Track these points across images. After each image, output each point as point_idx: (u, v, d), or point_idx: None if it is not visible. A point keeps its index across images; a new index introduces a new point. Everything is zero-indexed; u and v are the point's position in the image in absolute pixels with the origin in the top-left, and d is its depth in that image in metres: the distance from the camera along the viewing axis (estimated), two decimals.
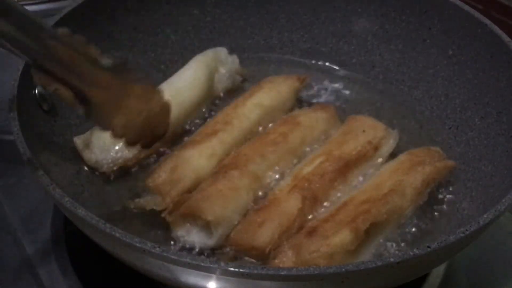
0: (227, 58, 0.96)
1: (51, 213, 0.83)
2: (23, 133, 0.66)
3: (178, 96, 0.87)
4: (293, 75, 0.95)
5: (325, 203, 0.76)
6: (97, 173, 0.81)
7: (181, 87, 0.89)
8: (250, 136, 0.85)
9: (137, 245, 0.56)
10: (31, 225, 0.82)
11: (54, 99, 0.78)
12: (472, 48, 0.87)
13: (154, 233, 0.74)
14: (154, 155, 0.84)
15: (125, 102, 0.71)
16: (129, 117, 0.72)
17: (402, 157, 0.82)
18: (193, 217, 0.73)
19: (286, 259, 0.68)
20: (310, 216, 0.74)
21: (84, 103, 0.66)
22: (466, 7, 0.87)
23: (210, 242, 0.72)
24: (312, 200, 0.75)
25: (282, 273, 0.54)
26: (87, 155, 0.80)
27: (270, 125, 0.87)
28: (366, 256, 0.71)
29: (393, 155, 0.84)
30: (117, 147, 0.81)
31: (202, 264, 0.54)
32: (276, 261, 0.68)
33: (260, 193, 0.78)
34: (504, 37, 0.81)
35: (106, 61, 0.68)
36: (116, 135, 0.72)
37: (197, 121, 0.90)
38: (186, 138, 0.86)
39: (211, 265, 0.54)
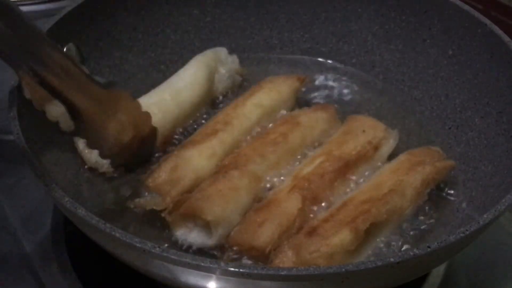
0: (227, 58, 0.96)
1: (51, 213, 0.83)
2: (23, 133, 0.66)
3: (178, 97, 0.87)
4: (293, 75, 0.95)
5: (325, 203, 0.76)
6: (97, 173, 0.81)
7: (181, 87, 0.88)
8: (250, 136, 0.85)
9: (137, 245, 0.56)
10: (31, 225, 0.82)
11: None
12: (472, 48, 0.87)
13: (154, 233, 0.74)
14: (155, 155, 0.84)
15: (114, 122, 0.72)
16: (117, 138, 0.74)
17: (402, 157, 0.82)
18: (193, 217, 0.73)
19: (286, 259, 0.68)
20: (310, 216, 0.74)
21: (75, 118, 0.67)
22: (466, 7, 0.87)
23: (210, 242, 0.72)
24: (312, 200, 0.75)
25: (282, 273, 0.54)
26: (87, 156, 0.80)
27: (270, 125, 0.87)
28: (366, 256, 0.71)
29: (393, 155, 0.84)
30: None
31: (202, 264, 0.54)
32: (276, 261, 0.68)
33: (260, 193, 0.78)
34: (504, 37, 0.81)
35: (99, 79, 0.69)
36: (103, 155, 0.74)
37: (197, 121, 0.90)
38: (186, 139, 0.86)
39: (211, 265, 0.54)
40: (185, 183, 0.77)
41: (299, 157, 0.83)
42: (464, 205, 0.78)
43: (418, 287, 0.76)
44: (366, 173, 0.81)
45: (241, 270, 0.54)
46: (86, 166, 0.81)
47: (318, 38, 1.03)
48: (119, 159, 0.77)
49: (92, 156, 0.79)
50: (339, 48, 1.02)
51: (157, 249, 0.55)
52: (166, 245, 0.72)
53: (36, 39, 0.61)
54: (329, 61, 1.03)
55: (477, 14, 0.86)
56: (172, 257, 0.55)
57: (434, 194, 0.80)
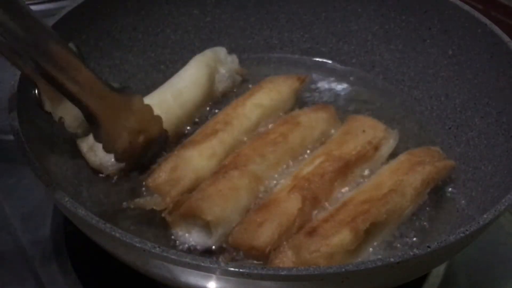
0: (227, 58, 0.96)
1: (51, 213, 0.83)
2: (23, 133, 0.66)
3: (180, 97, 0.87)
4: (293, 75, 0.95)
5: (325, 203, 0.76)
6: (97, 173, 0.81)
7: (183, 87, 0.89)
8: (250, 136, 0.85)
9: (137, 245, 0.56)
10: (31, 225, 0.82)
11: None
12: (472, 48, 0.87)
13: (154, 233, 0.74)
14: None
15: (128, 126, 0.74)
16: (131, 142, 0.75)
17: (402, 157, 0.82)
18: (193, 217, 0.73)
19: (286, 259, 0.68)
20: (310, 216, 0.74)
21: (92, 123, 0.68)
22: (466, 7, 0.87)
23: (210, 242, 0.72)
24: (312, 200, 0.75)
25: (282, 273, 0.54)
26: (91, 158, 0.79)
27: (270, 125, 0.87)
28: (366, 256, 0.71)
29: (393, 155, 0.84)
30: None
31: (202, 264, 0.54)
32: (276, 261, 0.68)
33: (260, 193, 0.78)
34: (504, 37, 0.81)
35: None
36: (118, 159, 0.76)
37: (197, 121, 0.90)
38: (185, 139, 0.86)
39: (211, 265, 0.54)
40: (185, 183, 0.77)
41: (299, 157, 0.83)
42: (464, 205, 0.78)
43: (418, 287, 0.76)
44: (366, 173, 0.81)
45: (241, 270, 0.54)
46: (88, 167, 0.81)
47: (318, 38, 1.03)
48: (131, 162, 0.78)
49: (96, 158, 0.79)
50: (339, 48, 1.02)
51: (157, 249, 0.55)
52: (166, 245, 0.72)
53: (51, 41, 0.61)
54: (329, 61, 1.03)
55: (477, 14, 0.86)
56: (172, 257, 0.55)
57: (434, 194, 0.80)
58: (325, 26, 1.02)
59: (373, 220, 0.70)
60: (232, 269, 0.54)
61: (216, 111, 0.91)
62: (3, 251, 0.79)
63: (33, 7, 1.18)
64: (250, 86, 0.95)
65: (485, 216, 0.61)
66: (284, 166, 0.81)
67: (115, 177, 0.81)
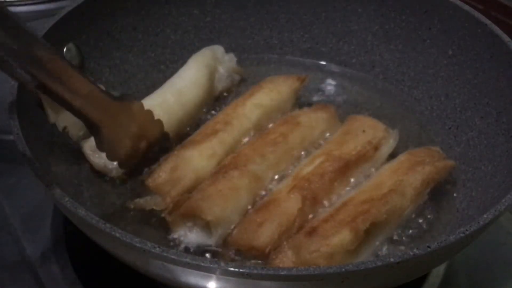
0: (224, 57, 0.96)
1: (51, 213, 0.83)
2: (23, 133, 0.66)
3: (181, 97, 0.87)
4: (293, 75, 0.95)
5: (325, 203, 0.76)
6: (97, 173, 0.81)
7: (183, 87, 0.88)
8: (250, 136, 0.85)
9: (137, 245, 0.56)
10: (31, 225, 0.82)
11: None
12: (472, 48, 0.87)
13: (154, 233, 0.74)
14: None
15: (130, 133, 0.74)
16: (133, 148, 0.75)
17: (402, 157, 0.82)
18: (193, 217, 0.73)
19: (286, 259, 0.68)
20: (310, 216, 0.74)
21: (94, 132, 0.69)
22: (466, 7, 0.87)
23: (210, 242, 0.72)
24: (312, 200, 0.75)
25: (282, 273, 0.54)
26: (95, 160, 0.79)
27: (270, 125, 0.87)
28: (366, 256, 0.71)
29: (393, 155, 0.84)
30: None
31: (202, 264, 0.54)
32: (276, 261, 0.68)
33: (260, 193, 0.78)
34: (504, 37, 0.81)
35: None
36: (122, 166, 0.76)
37: (200, 122, 0.90)
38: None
39: (211, 265, 0.54)
40: (185, 183, 0.77)
41: (299, 157, 0.83)
42: (464, 205, 0.78)
43: (418, 287, 0.76)
44: (366, 173, 0.81)
45: (241, 270, 0.54)
46: (89, 168, 0.81)
47: (318, 38, 1.03)
48: (133, 166, 0.79)
49: (100, 161, 0.79)
50: (339, 48, 1.02)
51: (157, 249, 0.55)
52: (166, 245, 0.72)
53: (43, 52, 0.61)
54: (329, 62, 1.03)
55: (477, 14, 0.86)
56: (172, 257, 0.55)
57: (434, 194, 0.80)
58: (325, 26, 1.02)
59: (373, 220, 0.70)
60: (232, 269, 0.54)
61: (216, 111, 0.91)
62: (3, 251, 0.79)
63: (33, 7, 1.19)
64: (250, 86, 0.94)
65: (485, 216, 0.61)
66: (284, 166, 0.81)
67: (117, 180, 0.81)
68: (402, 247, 0.74)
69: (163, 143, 0.81)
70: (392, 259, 0.55)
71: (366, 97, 0.98)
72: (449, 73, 0.91)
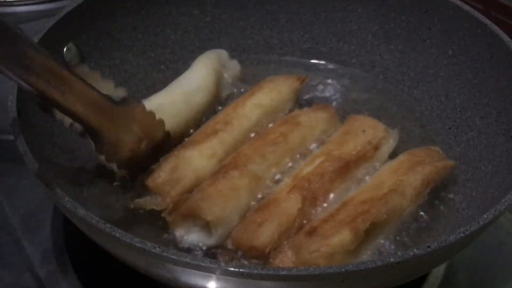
0: (229, 63, 0.96)
1: (51, 213, 0.83)
2: (23, 133, 0.66)
3: (191, 101, 0.87)
4: (293, 75, 0.95)
5: (325, 203, 0.76)
6: (97, 173, 0.81)
7: (193, 90, 0.88)
8: (250, 136, 0.85)
9: (137, 245, 0.56)
10: (31, 225, 0.82)
11: None
12: (472, 48, 0.87)
13: (154, 233, 0.74)
14: None
15: (130, 135, 0.73)
16: (133, 150, 0.75)
17: (402, 157, 0.82)
18: (193, 217, 0.73)
19: (286, 259, 0.68)
20: (310, 216, 0.74)
21: (93, 136, 0.68)
22: (466, 7, 0.87)
23: (210, 242, 0.72)
24: (312, 200, 0.75)
25: (282, 273, 0.54)
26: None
27: (270, 125, 0.87)
28: (366, 256, 0.71)
29: (393, 155, 0.84)
30: None
31: (202, 264, 0.54)
32: (276, 261, 0.68)
33: (260, 193, 0.78)
34: (504, 37, 0.81)
35: (118, 92, 0.71)
36: (120, 167, 0.76)
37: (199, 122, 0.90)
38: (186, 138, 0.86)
39: (211, 265, 0.54)
40: (185, 183, 0.77)
41: (299, 157, 0.83)
42: (464, 205, 0.78)
43: (418, 287, 0.76)
44: (366, 173, 0.81)
45: (241, 270, 0.54)
46: (87, 167, 0.81)
47: (318, 38, 1.03)
48: (134, 167, 0.78)
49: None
50: (339, 48, 1.02)
51: (157, 249, 0.55)
52: (166, 245, 0.72)
53: (38, 56, 0.59)
54: (329, 62, 1.03)
55: (477, 14, 0.86)
56: (172, 257, 0.55)
57: (434, 194, 0.80)
58: (325, 26, 1.02)
59: (373, 220, 0.70)
60: (232, 269, 0.54)
61: (216, 111, 0.91)
62: (3, 251, 0.79)
63: (33, 7, 1.19)
64: (250, 86, 0.94)
65: (485, 216, 0.61)
66: (284, 166, 0.81)
67: (115, 177, 0.80)
68: (402, 247, 0.74)
69: (165, 143, 0.81)
70: (392, 259, 0.55)
71: (366, 97, 0.98)
72: (449, 73, 0.91)
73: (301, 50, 1.04)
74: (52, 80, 0.60)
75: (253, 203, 0.76)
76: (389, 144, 0.84)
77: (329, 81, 1.00)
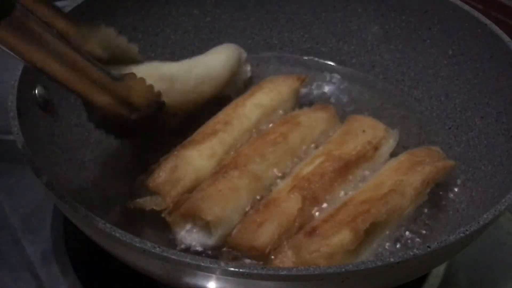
0: (244, 65, 0.96)
1: (51, 213, 0.83)
2: (23, 133, 0.66)
3: (200, 82, 0.86)
4: (293, 75, 0.95)
5: (325, 203, 0.76)
6: (97, 173, 0.81)
7: (209, 68, 0.88)
8: (250, 136, 0.85)
9: (137, 245, 0.56)
10: (31, 225, 0.82)
11: (54, 98, 0.78)
12: (472, 48, 0.87)
13: (154, 233, 0.74)
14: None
15: (125, 107, 0.72)
16: (127, 120, 0.74)
17: (402, 157, 0.82)
18: (193, 217, 0.73)
19: (286, 259, 0.68)
20: (310, 216, 0.74)
21: (88, 107, 0.68)
22: (466, 7, 0.87)
23: (210, 242, 0.72)
24: (312, 200, 0.75)
25: (282, 273, 0.54)
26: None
27: (270, 125, 0.87)
28: (366, 256, 0.71)
29: (393, 155, 0.84)
30: None
31: (202, 264, 0.54)
32: (276, 261, 0.68)
33: (260, 193, 0.78)
34: (504, 37, 0.81)
35: (130, 49, 0.73)
36: (108, 133, 0.75)
37: (197, 120, 0.90)
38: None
39: (211, 265, 0.54)
40: (185, 183, 0.77)
41: (299, 157, 0.83)
42: (464, 205, 0.78)
43: (418, 287, 0.76)
44: (366, 173, 0.81)
45: (241, 270, 0.54)
46: (87, 166, 0.81)
47: (318, 38, 1.03)
48: (123, 132, 0.77)
49: None
50: (339, 48, 1.02)
51: (157, 249, 0.55)
52: (166, 245, 0.72)
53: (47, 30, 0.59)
54: (329, 61, 1.03)
55: (477, 14, 0.86)
56: (172, 257, 0.55)
57: (434, 194, 0.80)
58: (325, 26, 1.02)
59: (373, 220, 0.70)
60: (232, 269, 0.54)
61: (216, 111, 0.91)
62: (3, 251, 0.79)
63: None
64: (250, 86, 0.94)
65: (485, 216, 0.61)
66: (284, 166, 0.81)
67: (115, 177, 0.80)
68: (402, 247, 0.74)
69: (159, 115, 0.79)
70: (392, 259, 0.55)
71: (366, 97, 0.98)
72: (449, 73, 0.91)
73: (301, 50, 1.04)
74: (51, 53, 0.60)
75: (253, 203, 0.76)
76: (389, 144, 0.84)
77: (329, 81, 1.00)
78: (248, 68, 0.97)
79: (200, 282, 0.58)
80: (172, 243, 0.73)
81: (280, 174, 0.80)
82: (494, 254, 0.81)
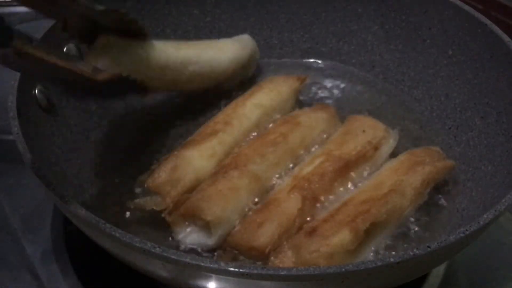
0: (253, 63, 0.97)
1: (51, 213, 0.83)
2: (23, 133, 0.66)
3: (217, 56, 0.89)
4: (293, 75, 0.95)
5: (325, 203, 0.76)
6: (97, 173, 0.81)
7: (219, 53, 0.90)
8: (250, 136, 0.85)
9: (137, 245, 0.56)
10: (31, 225, 0.82)
11: (54, 98, 0.78)
12: (472, 48, 0.87)
13: (154, 233, 0.74)
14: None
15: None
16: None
17: (402, 157, 0.82)
18: (193, 217, 0.73)
19: (286, 259, 0.68)
20: (310, 216, 0.74)
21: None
22: (466, 7, 0.87)
23: (210, 242, 0.72)
24: (312, 200, 0.75)
25: (282, 273, 0.54)
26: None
27: (270, 125, 0.87)
28: (366, 256, 0.71)
29: (393, 155, 0.84)
30: None
31: (202, 264, 0.54)
32: (276, 261, 0.68)
33: (260, 193, 0.78)
34: (504, 37, 0.81)
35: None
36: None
37: (197, 120, 0.90)
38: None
39: (211, 265, 0.54)
40: (185, 183, 0.77)
41: (299, 157, 0.83)
42: (464, 205, 0.78)
43: (418, 287, 0.76)
44: (366, 173, 0.81)
45: (241, 270, 0.54)
46: (86, 166, 0.81)
47: (318, 38, 1.03)
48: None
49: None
50: (339, 48, 1.02)
51: (157, 249, 0.55)
52: (166, 245, 0.72)
53: None
54: (329, 61, 1.03)
55: (477, 14, 0.86)
56: (172, 257, 0.55)
57: (434, 194, 0.80)
58: (325, 26, 1.02)
59: (373, 220, 0.70)
60: (232, 269, 0.54)
61: (216, 111, 0.91)
62: (3, 251, 0.79)
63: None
64: (250, 86, 0.94)
65: (485, 216, 0.61)
66: (284, 166, 0.81)
67: (115, 177, 0.80)
68: (402, 247, 0.74)
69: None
70: (392, 259, 0.55)
71: (366, 97, 0.98)
72: (449, 73, 0.91)
73: (301, 50, 1.04)
74: None
75: (253, 203, 0.76)
76: (389, 144, 0.84)
77: (329, 81, 1.00)
78: (254, 67, 0.97)
79: (200, 282, 0.58)
80: (172, 243, 0.73)
81: (280, 174, 0.80)
82: (494, 254, 0.81)
